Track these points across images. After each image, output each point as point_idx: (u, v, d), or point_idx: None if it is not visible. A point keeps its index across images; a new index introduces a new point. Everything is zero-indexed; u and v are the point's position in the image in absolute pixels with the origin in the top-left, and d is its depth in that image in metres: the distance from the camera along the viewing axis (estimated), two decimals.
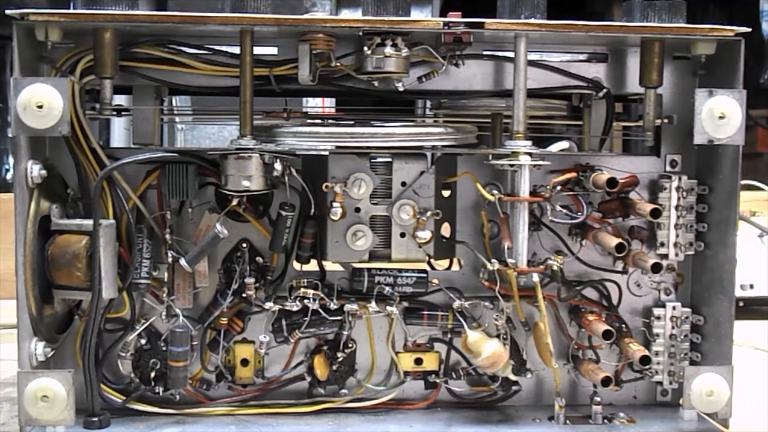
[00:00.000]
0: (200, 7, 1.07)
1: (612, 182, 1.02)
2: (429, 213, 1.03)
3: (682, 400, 1.06)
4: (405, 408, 1.09)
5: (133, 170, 1.03)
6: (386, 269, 1.05)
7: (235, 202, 1.00)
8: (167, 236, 1.03)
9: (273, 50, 1.05)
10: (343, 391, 1.08)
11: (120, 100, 1.13)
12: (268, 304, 1.04)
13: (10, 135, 1.09)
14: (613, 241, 1.02)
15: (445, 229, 1.08)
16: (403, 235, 1.04)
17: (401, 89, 1.04)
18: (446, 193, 1.07)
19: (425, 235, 1.03)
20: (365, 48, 1.00)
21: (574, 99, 1.15)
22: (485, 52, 1.08)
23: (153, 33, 1.01)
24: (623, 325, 1.09)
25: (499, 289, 1.03)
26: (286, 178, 0.99)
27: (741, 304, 1.80)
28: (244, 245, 1.06)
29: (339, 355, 1.07)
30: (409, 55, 1.01)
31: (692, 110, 1.00)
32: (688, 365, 1.07)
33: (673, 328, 1.09)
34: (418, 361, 1.10)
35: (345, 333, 1.06)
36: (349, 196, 1.02)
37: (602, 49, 1.10)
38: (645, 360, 1.04)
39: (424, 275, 1.06)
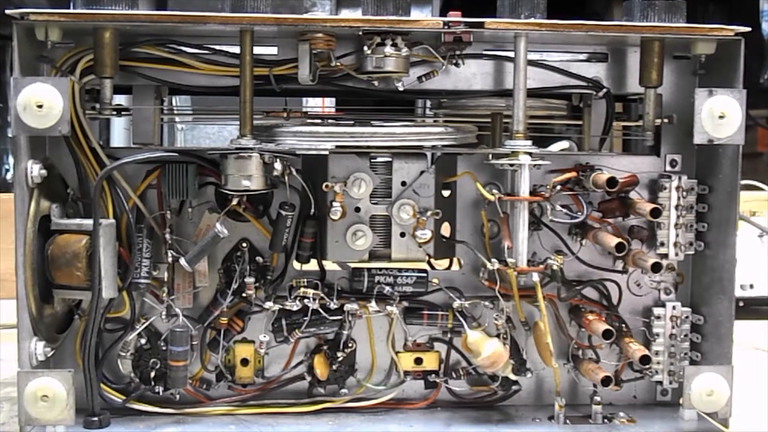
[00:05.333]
0: (200, 7, 1.07)
1: (612, 182, 1.02)
2: (429, 213, 1.03)
3: (682, 399, 1.06)
4: (405, 408, 1.09)
5: (133, 170, 1.03)
6: (386, 269, 1.05)
7: (235, 201, 1.00)
8: (167, 236, 1.03)
9: (273, 50, 1.05)
10: (343, 390, 1.08)
11: (120, 100, 1.13)
12: (268, 304, 1.04)
13: (10, 135, 1.09)
14: (613, 241, 1.02)
15: (445, 229, 1.08)
16: (403, 234, 1.04)
17: (401, 89, 1.04)
18: (446, 193, 1.07)
19: (425, 234, 1.03)
20: (365, 48, 1.00)
21: (574, 99, 1.15)
22: (485, 52, 1.08)
23: (153, 33, 1.01)
24: (623, 325, 1.09)
25: (499, 289, 1.03)
26: (286, 177, 1.00)
27: (741, 304, 1.80)
28: (244, 245, 1.06)
29: (339, 354, 1.07)
30: (409, 55, 1.01)
31: (692, 110, 1.00)
32: (688, 365, 1.07)
33: (673, 327, 1.09)
34: (418, 361, 1.10)
35: (345, 333, 1.06)
36: (349, 195, 1.02)
37: (602, 48, 1.10)
38: (645, 360, 1.04)
39: (424, 275, 1.06)
